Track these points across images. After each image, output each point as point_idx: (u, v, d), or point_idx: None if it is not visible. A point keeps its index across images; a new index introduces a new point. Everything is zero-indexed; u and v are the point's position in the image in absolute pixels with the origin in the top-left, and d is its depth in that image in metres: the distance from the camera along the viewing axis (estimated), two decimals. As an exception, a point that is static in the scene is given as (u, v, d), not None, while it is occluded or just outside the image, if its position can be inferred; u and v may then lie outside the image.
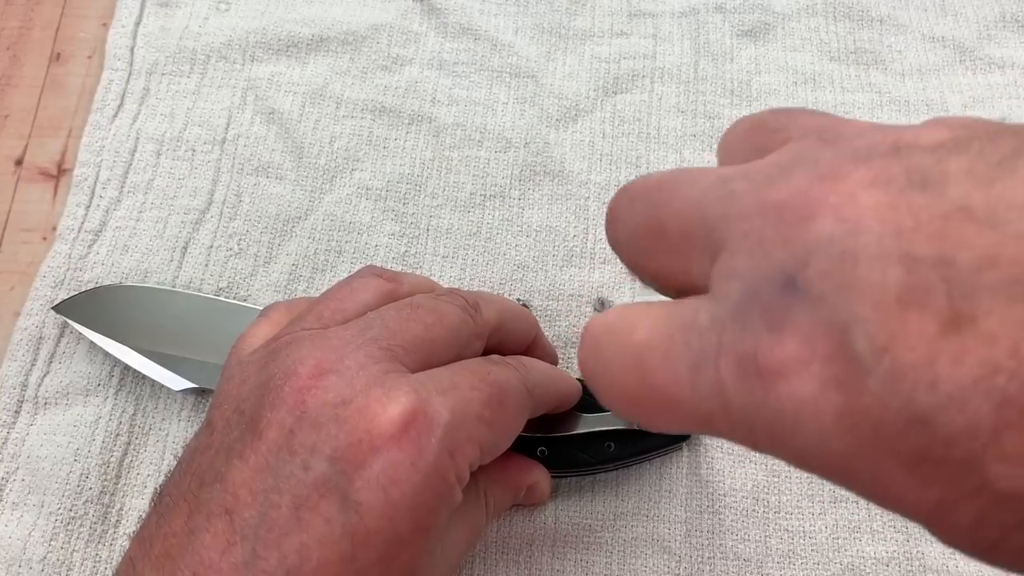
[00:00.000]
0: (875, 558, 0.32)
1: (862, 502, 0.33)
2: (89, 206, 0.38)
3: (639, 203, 0.16)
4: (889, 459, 0.12)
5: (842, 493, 0.33)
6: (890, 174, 0.12)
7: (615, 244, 0.17)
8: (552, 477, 0.33)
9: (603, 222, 0.37)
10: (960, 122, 0.13)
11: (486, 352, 0.27)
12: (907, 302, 0.11)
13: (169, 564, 0.21)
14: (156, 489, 0.24)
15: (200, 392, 0.34)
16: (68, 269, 0.37)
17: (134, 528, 0.32)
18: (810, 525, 0.33)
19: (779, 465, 0.34)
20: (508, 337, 0.28)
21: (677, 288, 0.16)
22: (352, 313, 0.25)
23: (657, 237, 0.16)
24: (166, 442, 0.34)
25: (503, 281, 0.37)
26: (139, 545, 0.22)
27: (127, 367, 0.34)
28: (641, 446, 0.32)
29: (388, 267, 0.37)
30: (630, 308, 0.16)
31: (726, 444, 0.34)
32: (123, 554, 0.23)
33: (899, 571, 0.32)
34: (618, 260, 0.39)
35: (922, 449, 0.11)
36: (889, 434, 0.12)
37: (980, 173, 0.12)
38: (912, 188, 0.12)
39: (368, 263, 0.37)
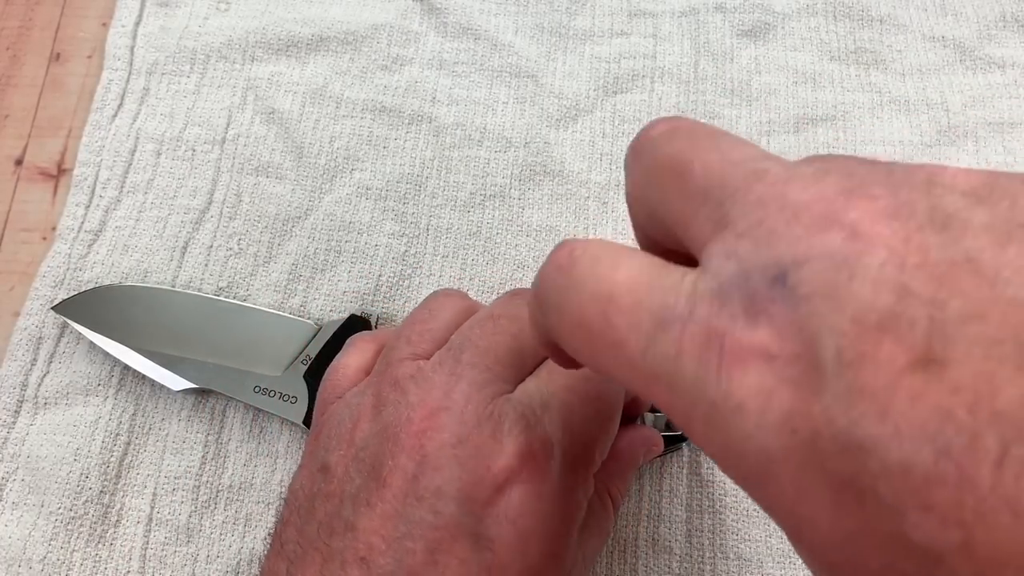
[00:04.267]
0: (875, 558, 0.32)
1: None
2: (89, 206, 0.38)
3: (681, 137, 0.16)
4: (815, 475, 0.12)
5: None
6: (914, 208, 0.13)
7: (635, 166, 0.17)
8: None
9: (603, 222, 0.38)
10: (1000, 175, 0.13)
11: None
12: (886, 328, 0.11)
13: None
14: (273, 531, 0.24)
15: (200, 392, 0.34)
16: (68, 269, 0.37)
17: (134, 528, 0.32)
18: (810, 525, 0.33)
19: (779, 465, 0.34)
20: None
21: (664, 247, 0.16)
22: (438, 332, 0.25)
23: (678, 179, 0.16)
24: (166, 442, 0.34)
25: (503, 281, 0.37)
26: None
27: (127, 367, 0.34)
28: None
29: (388, 267, 0.37)
30: (618, 246, 0.16)
31: (726, 444, 0.34)
32: None
33: (899, 571, 0.32)
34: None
35: (851, 475, 0.11)
36: (825, 449, 0.12)
37: (999, 230, 0.12)
38: (931, 227, 0.12)
39: (368, 263, 0.37)
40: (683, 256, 0.15)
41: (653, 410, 0.32)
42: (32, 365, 0.35)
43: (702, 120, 0.40)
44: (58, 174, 0.40)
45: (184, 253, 0.37)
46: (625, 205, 0.38)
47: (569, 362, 0.18)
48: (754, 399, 0.12)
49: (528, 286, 0.36)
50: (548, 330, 0.17)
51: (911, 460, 0.11)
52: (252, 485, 0.33)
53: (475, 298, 0.36)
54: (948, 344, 0.11)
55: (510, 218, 0.38)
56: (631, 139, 0.18)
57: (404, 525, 0.21)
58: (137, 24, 0.43)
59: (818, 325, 0.12)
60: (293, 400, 0.33)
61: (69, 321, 0.35)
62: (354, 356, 0.27)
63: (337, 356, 0.28)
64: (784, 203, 0.14)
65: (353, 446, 0.23)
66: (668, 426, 0.30)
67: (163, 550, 0.32)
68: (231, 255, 0.37)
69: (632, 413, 0.29)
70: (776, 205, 0.14)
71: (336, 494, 0.23)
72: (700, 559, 0.32)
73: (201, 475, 0.33)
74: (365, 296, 0.36)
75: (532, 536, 0.21)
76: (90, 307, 0.35)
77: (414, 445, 0.22)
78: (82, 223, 0.38)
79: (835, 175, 0.14)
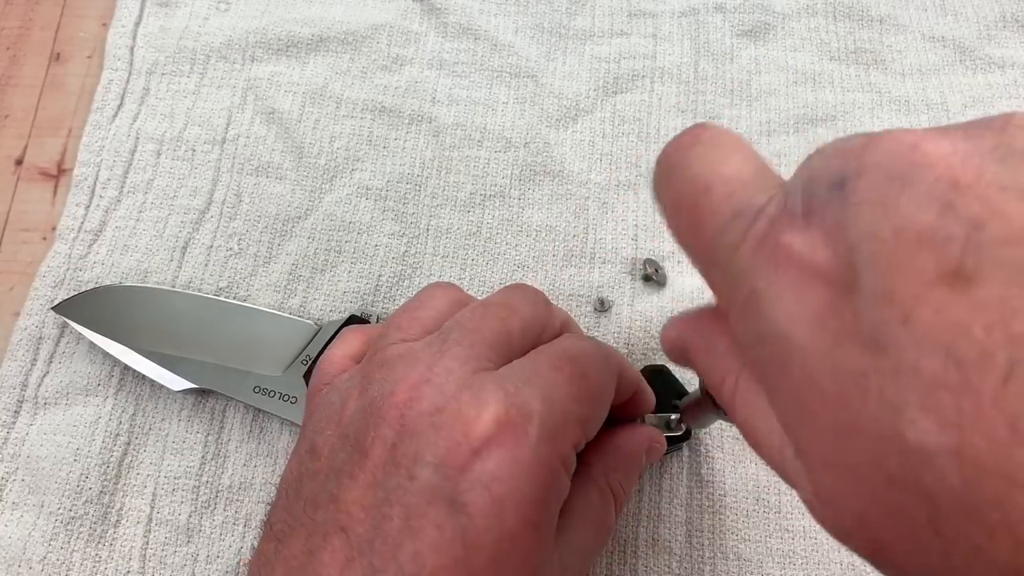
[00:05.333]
0: (875, 558, 0.32)
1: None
2: (89, 206, 0.38)
3: None
4: (828, 368, 0.13)
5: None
6: (982, 140, 0.13)
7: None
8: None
9: (603, 222, 0.38)
10: None
11: None
12: (924, 241, 0.12)
13: None
14: (264, 519, 0.25)
15: (200, 392, 0.34)
16: (68, 269, 0.37)
17: (134, 528, 0.32)
18: (810, 525, 0.33)
19: (779, 465, 0.34)
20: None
21: None
22: (428, 320, 0.26)
23: None
24: (166, 442, 0.34)
25: (503, 281, 0.37)
26: (259, 570, 0.23)
27: (127, 367, 0.34)
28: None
29: (388, 267, 0.37)
30: (741, 142, 0.18)
31: (727, 444, 0.34)
32: None
33: (899, 571, 0.32)
34: (618, 261, 0.39)
35: (862, 372, 0.13)
36: (846, 346, 0.13)
37: None
38: (992, 157, 0.13)
39: (368, 263, 0.37)
40: None
41: (656, 412, 0.32)
42: (32, 365, 0.35)
43: (701, 120, 0.40)
44: (58, 174, 0.40)
45: (184, 253, 0.37)
46: (624, 205, 0.38)
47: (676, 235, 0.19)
48: (791, 292, 0.14)
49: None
50: (656, 198, 0.18)
51: (922, 364, 0.12)
52: (252, 485, 0.33)
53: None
54: (979, 264, 0.12)
55: (510, 218, 0.38)
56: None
57: (382, 492, 0.21)
58: (137, 24, 0.43)
59: (861, 231, 0.13)
60: (293, 400, 0.33)
61: (69, 321, 0.35)
62: (344, 346, 0.27)
63: (328, 347, 0.28)
64: (862, 131, 0.15)
65: (340, 425, 0.24)
66: (668, 426, 0.30)
67: (163, 550, 0.32)
68: (231, 255, 0.37)
69: (633, 413, 0.29)
70: (862, 139, 0.15)
71: (322, 471, 0.23)
72: (700, 559, 0.32)
73: (201, 475, 0.33)
74: (365, 296, 0.36)
75: (508, 501, 0.21)
76: (90, 307, 0.35)
77: (395, 416, 0.22)
78: (82, 223, 0.38)
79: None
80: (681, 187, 0.17)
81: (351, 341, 0.27)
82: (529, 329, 0.25)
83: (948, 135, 0.14)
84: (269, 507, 0.25)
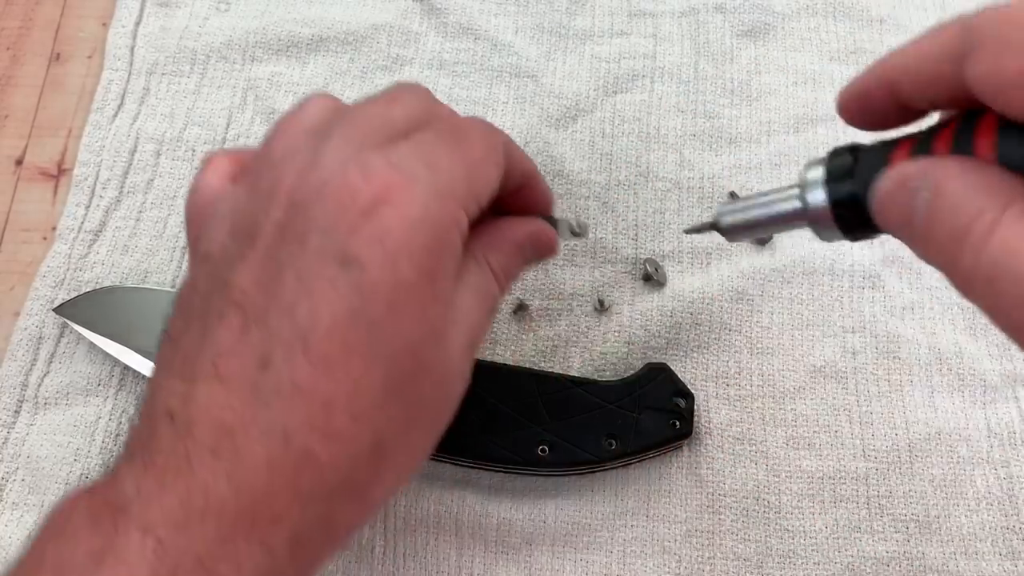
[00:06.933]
0: (875, 558, 0.32)
1: (862, 501, 0.33)
2: (89, 206, 0.38)
3: None
4: None
5: (842, 493, 0.33)
6: None
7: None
8: (552, 476, 0.33)
9: (603, 222, 0.38)
10: None
11: None
12: None
13: (188, 365, 0.21)
14: (160, 335, 0.24)
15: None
16: (68, 269, 0.37)
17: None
18: (810, 525, 0.33)
19: (779, 465, 0.34)
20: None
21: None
22: (308, 122, 0.25)
23: None
24: (166, 442, 0.34)
25: (503, 281, 0.37)
26: (158, 372, 0.23)
27: (127, 367, 0.34)
28: (642, 444, 0.32)
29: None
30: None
31: (726, 444, 0.34)
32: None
33: (899, 571, 0.32)
34: (618, 261, 0.39)
35: None
36: None
37: None
38: None
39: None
40: None
41: (657, 409, 0.32)
42: (32, 365, 0.35)
43: (701, 120, 0.40)
44: (58, 174, 0.40)
45: (184, 253, 0.37)
46: (624, 205, 0.38)
47: None
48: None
49: (528, 286, 0.37)
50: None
51: None
52: (252, 485, 0.33)
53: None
54: None
55: (510, 218, 0.38)
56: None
57: (275, 265, 0.22)
58: (137, 24, 0.43)
59: None
60: (293, 400, 0.33)
61: (69, 322, 0.35)
62: (215, 167, 0.26)
63: (196, 175, 0.27)
64: None
65: (231, 224, 0.23)
66: (572, 231, 0.29)
67: (163, 550, 0.32)
68: (231, 255, 0.37)
69: (529, 209, 0.28)
70: None
71: (215, 268, 0.23)
72: (700, 559, 0.32)
73: (201, 475, 0.33)
74: (365, 296, 0.36)
75: (401, 254, 0.21)
76: (90, 308, 0.35)
77: (284, 198, 0.22)
78: (82, 223, 0.38)
79: None
80: None
81: (221, 162, 0.26)
82: (412, 117, 0.25)
83: None
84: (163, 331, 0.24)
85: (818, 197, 0.22)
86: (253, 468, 0.20)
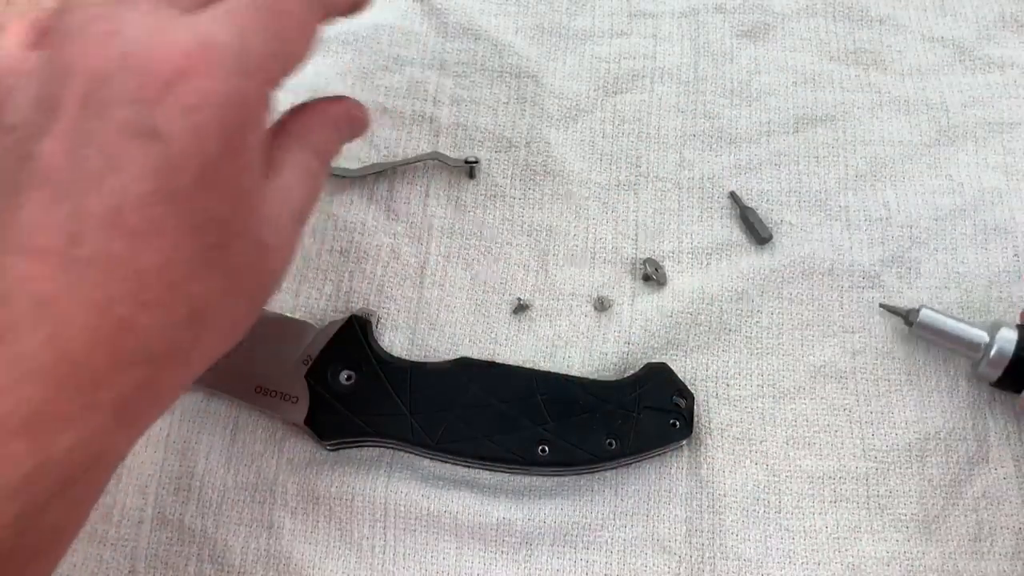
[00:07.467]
0: (875, 558, 0.32)
1: (862, 501, 0.33)
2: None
3: None
4: None
5: (842, 493, 0.33)
6: None
7: None
8: (552, 476, 0.33)
9: (603, 222, 0.38)
10: None
11: None
12: None
13: None
14: None
15: (200, 392, 0.34)
16: None
17: (134, 528, 0.32)
18: (810, 525, 0.33)
19: (779, 465, 0.34)
20: None
21: None
22: None
23: None
24: (166, 442, 0.34)
25: (503, 281, 0.37)
26: None
27: (127, 367, 0.34)
28: (641, 444, 0.32)
29: (389, 267, 0.37)
30: None
31: (726, 444, 0.34)
32: None
33: (899, 571, 0.32)
34: (618, 261, 0.39)
35: None
36: None
37: None
38: None
39: (369, 263, 0.37)
40: None
41: (656, 408, 0.32)
42: (32, 365, 0.35)
43: (701, 120, 0.40)
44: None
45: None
46: (624, 205, 0.38)
47: None
48: None
49: (528, 286, 0.37)
50: None
51: None
52: (252, 485, 0.33)
53: (475, 299, 0.37)
54: None
55: (510, 218, 0.38)
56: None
57: (80, 137, 0.21)
58: (137, 24, 0.43)
59: None
60: (294, 400, 0.33)
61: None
62: (11, 36, 0.26)
63: None
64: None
65: (33, 92, 0.23)
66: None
67: (163, 550, 0.32)
68: (231, 255, 0.37)
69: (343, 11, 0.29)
70: None
71: (19, 140, 0.22)
72: (700, 559, 0.32)
73: (202, 475, 0.33)
74: (365, 296, 0.36)
75: (207, 128, 0.21)
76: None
77: (87, 69, 0.22)
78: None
79: None
80: None
81: (20, 27, 0.26)
82: None
83: None
84: None
85: (1008, 342, 0.32)
86: (73, 336, 0.21)
